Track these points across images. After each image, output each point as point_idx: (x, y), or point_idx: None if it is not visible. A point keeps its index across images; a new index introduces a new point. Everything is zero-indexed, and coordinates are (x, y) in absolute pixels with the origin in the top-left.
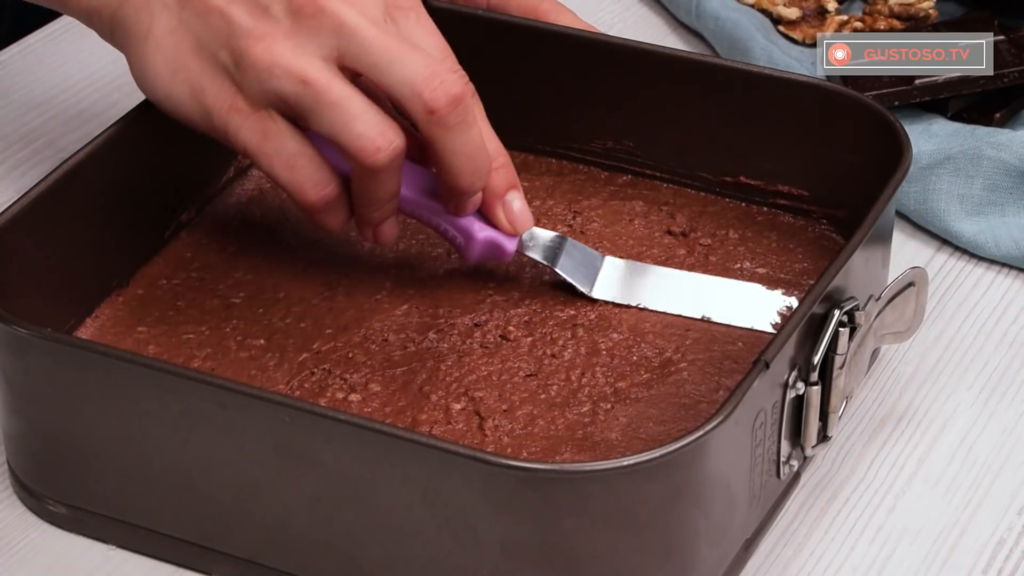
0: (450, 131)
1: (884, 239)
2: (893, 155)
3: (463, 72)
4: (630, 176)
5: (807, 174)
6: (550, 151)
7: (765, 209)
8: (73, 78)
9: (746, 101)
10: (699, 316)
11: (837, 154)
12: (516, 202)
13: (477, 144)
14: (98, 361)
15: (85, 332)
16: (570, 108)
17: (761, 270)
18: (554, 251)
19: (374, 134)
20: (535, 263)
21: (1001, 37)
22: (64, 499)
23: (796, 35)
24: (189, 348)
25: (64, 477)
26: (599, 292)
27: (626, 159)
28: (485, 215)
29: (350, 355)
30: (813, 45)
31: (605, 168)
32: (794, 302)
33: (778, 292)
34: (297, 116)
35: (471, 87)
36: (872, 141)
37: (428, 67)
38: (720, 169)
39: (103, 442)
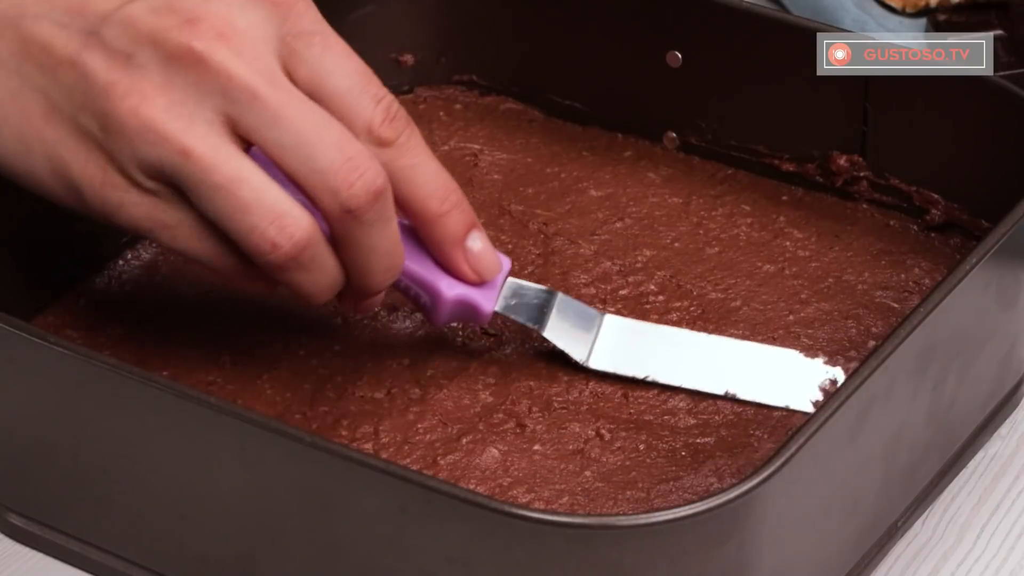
0: (367, 229)
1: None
2: None
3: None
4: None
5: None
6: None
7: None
8: None
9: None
10: (722, 392)
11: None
12: (477, 242)
13: (394, 239)
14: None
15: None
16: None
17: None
18: (540, 310)
19: (271, 230)
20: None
21: None
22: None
23: (895, 2)
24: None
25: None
26: (597, 361)
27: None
28: (446, 268)
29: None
30: (916, 15)
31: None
32: (839, 374)
33: (819, 361)
34: (180, 188)
35: (384, 177)
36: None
37: (344, 153)
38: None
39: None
